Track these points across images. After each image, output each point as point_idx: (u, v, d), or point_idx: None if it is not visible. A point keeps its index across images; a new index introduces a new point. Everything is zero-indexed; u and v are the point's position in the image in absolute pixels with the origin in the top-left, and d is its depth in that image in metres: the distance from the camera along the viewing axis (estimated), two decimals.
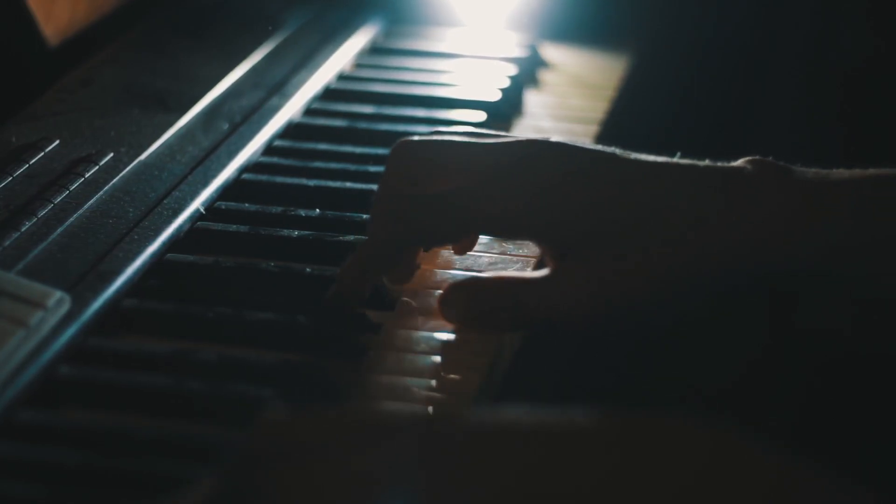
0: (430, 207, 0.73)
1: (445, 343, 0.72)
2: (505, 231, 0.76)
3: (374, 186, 0.85)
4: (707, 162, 0.72)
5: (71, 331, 0.67)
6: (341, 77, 1.05)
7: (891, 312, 0.75)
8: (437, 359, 0.70)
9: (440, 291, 0.74)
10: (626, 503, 0.44)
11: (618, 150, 0.73)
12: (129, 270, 0.73)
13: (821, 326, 0.91)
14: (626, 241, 0.70)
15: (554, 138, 0.74)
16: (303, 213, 0.82)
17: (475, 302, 0.73)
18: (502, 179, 0.72)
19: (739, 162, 0.72)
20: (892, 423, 0.92)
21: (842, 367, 0.97)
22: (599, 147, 0.73)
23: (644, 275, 0.70)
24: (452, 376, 0.69)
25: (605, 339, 0.78)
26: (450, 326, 0.73)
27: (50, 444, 0.61)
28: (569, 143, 0.73)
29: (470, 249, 0.79)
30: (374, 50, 1.11)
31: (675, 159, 0.72)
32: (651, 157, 0.72)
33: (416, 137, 0.75)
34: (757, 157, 0.72)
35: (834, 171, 0.71)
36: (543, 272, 0.72)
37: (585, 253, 0.71)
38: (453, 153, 0.74)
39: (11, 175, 0.80)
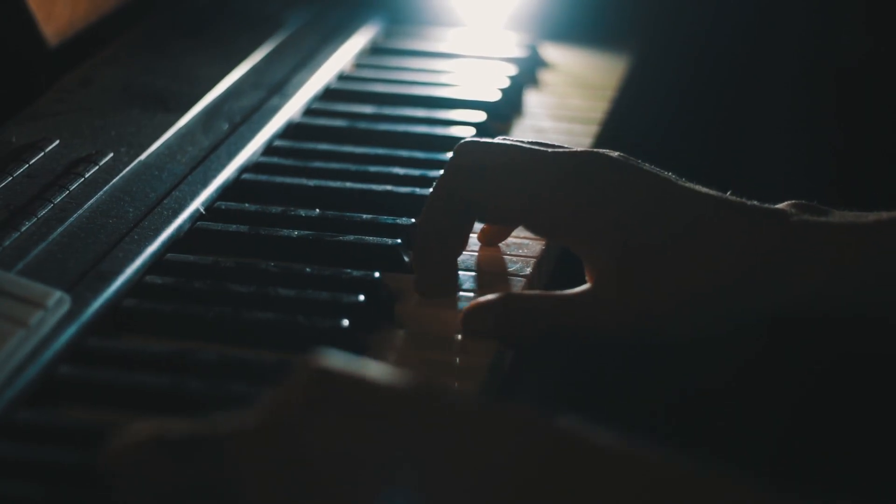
0: (488, 181, 0.74)
1: (445, 343, 0.72)
2: (552, 234, 0.76)
3: (375, 186, 0.86)
4: (754, 202, 0.73)
5: (71, 331, 0.67)
6: (341, 77, 1.05)
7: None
8: (437, 359, 0.71)
9: (466, 306, 0.73)
10: None
11: (672, 175, 0.74)
12: (129, 270, 0.73)
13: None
14: (669, 264, 0.71)
15: (614, 154, 0.74)
16: (303, 213, 0.82)
17: (507, 324, 0.72)
18: (560, 183, 0.73)
19: (783, 205, 0.73)
20: (891, 422, 0.92)
21: (840, 366, 0.97)
22: (654, 168, 0.74)
23: (682, 298, 0.71)
24: (452, 377, 0.69)
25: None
26: (449, 327, 0.73)
27: (50, 444, 0.61)
28: (628, 159, 0.74)
29: (502, 239, 0.81)
30: (374, 50, 1.11)
31: (725, 195, 0.73)
32: (702, 188, 0.73)
33: (476, 139, 0.77)
34: (802, 202, 0.72)
35: (871, 214, 0.71)
36: (579, 290, 0.72)
37: (627, 270, 0.71)
38: (515, 155, 0.74)
39: (11, 175, 0.80)
